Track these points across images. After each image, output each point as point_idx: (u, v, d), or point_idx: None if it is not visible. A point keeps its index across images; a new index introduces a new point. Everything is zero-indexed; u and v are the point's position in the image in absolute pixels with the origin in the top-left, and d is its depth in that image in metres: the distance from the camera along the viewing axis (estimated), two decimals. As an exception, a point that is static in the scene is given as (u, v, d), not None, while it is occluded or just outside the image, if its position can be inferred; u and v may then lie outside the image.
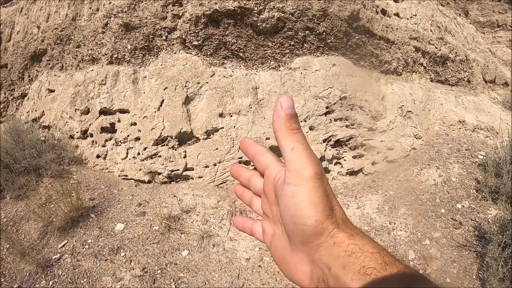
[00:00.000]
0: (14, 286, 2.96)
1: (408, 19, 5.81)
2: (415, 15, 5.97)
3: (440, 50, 6.18)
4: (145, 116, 4.34)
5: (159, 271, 3.07)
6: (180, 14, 4.39)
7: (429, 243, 3.43)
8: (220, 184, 4.20)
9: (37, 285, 2.94)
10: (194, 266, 3.17)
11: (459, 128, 5.72)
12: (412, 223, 3.69)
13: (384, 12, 5.39)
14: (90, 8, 4.88)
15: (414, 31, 5.75)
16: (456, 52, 6.46)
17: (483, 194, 3.87)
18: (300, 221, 0.44)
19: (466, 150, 4.81)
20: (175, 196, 4.00)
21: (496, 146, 4.34)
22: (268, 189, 0.54)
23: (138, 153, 4.34)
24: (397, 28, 5.44)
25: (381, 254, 0.41)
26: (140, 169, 4.29)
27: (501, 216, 3.43)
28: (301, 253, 0.47)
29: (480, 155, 4.62)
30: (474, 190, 4.01)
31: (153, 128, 4.23)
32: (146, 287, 2.92)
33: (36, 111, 5.32)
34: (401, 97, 5.22)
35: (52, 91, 5.28)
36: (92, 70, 4.81)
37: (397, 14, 5.65)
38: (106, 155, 4.56)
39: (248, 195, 0.63)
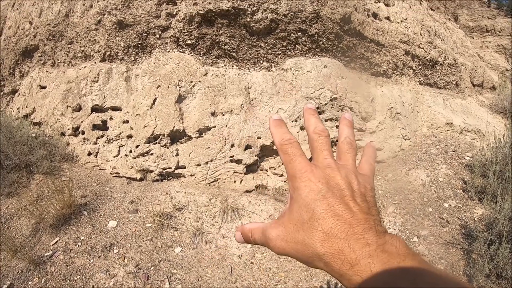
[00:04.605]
0: (6, 283, 2.95)
1: (398, 22, 5.91)
2: (406, 19, 6.08)
3: (429, 53, 6.30)
4: (137, 114, 4.35)
5: (152, 267, 3.09)
6: (174, 13, 4.42)
7: (417, 240, 3.51)
8: (211, 182, 4.23)
9: (29, 282, 2.93)
10: (187, 262, 3.20)
11: (447, 130, 5.83)
12: (401, 221, 3.77)
13: (375, 15, 5.48)
14: (84, 4, 4.87)
15: (404, 34, 5.84)
16: (445, 56, 6.58)
17: (470, 194, 3.96)
18: None
19: (454, 151, 4.91)
20: (167, 193, 4.02)
21: (483, 148, 4.45)
22: None
23: (130, 151, 4.34)
24: (387, 32, 5.53)
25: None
26: (132, 167, 4.30)
27: (487, 215, 3.52)
28: None
29: (467, 156, 4.73)
30: (461, 190, 4.10)
31: (146, 126, 4.24)
32: (139, 284, 2.94)
33: (27, 107, 5.29)
34: (391, 99, 5.31)
35: (43, 87, 5.25)
36: (85, 67, 4.80)
37: (388, 18, 5.74)
38: (97, 152, 4.55)
39: None
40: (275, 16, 4.35)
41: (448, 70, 6.71)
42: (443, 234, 3.54)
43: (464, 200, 3.94)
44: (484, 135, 5.97)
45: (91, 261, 3.11)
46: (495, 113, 7.24)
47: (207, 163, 4.21)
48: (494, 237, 3.16)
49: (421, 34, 6.30)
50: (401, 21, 5.97)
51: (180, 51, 4.59)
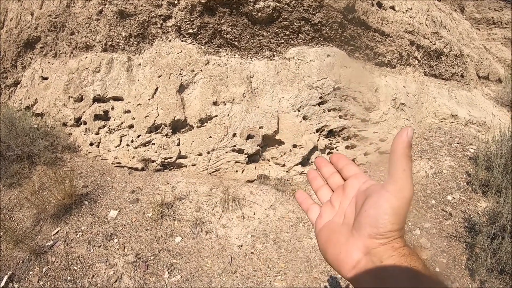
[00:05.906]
0: (8, 273, 2.95)
1: (403, 12, 5.83)
2: (411, 8, 5.99)
3: (434, 44, 6.21)
4: (139, 104, 4.33)
5: (152, 257, 3.09)
6: (176, 2, 4.37)
7: (419, 233, 3.48)
8: (213, 172, 4.21)
9: (30, 272, 2.93)
10: (187, 252, 3.19)
11: (452, 122, 5.77)
12: (403, 213, 3.72)
13: (379, 4, 5.40)
14: (85, -5, 4.83)
15: (409, 24, 5.77)
16: (451, 47, 6.50)
17: (474, 186, 3.91)
18: (383, 222, 0.54)
19: (458, 143, 4.86)
20: (168, 183, 4.01)
21: (488, 140, 4.39)
22: (350, 189, 0.67)
23: (132, 141, 4.33)
24: (392, 21, 5.45)
25: (422, 260, 0.53)
26: (134, 157, 4.29)
27: (491, 209, 3.47)
28: (360, 243, 0.57)
29: (472, 148, 4.67)
30: (465, 183, 4.06)
31: (147, 116, 4.22)
32: (139, 273, 2.93)
33: (29, 98, 5.28)
34: (395, 90, 5.25)
35: (45, 78, 5.24)
36: (86, 57, 4.77)
37: (392, 7, 5.66)
38: (99, 142, 4.54)
39: (319, 182, 0.76)
40: (278, 4, 4.29)
41: (453, 62, 6.62)
42: (446, 227, 3.50)
43: (468, 193, 3.89)
44: (489, 128, 5.91)
45: (91, 250, 3.11)
46: (501, 106, 7.16)
47: (208, 152, 4.19)
48: (497, 231, 3.11)
49: (426, 25, 6.22)
50: (406, 10, 5.88)
51: (182, 40, 4.55)
